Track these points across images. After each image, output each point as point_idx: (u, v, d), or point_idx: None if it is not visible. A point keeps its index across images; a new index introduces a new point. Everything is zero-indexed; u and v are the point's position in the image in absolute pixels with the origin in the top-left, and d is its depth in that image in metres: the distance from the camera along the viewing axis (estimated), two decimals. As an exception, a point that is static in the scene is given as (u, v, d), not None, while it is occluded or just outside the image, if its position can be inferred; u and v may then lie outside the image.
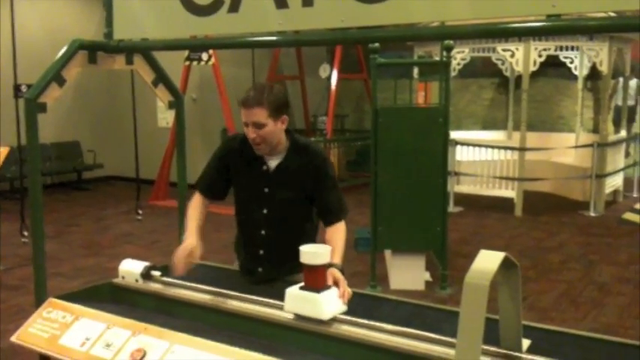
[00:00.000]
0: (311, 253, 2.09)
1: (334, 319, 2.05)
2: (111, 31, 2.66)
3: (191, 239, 2.48)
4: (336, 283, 2.20)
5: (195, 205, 2.69)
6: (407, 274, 5.55)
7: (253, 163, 2.61)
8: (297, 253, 2.16)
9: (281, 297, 2.17)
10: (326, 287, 2.11)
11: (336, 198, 2.67)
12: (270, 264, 2.66)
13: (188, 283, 2.43)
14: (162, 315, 2.30)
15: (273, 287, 2.41)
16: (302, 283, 2.13)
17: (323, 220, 2.66)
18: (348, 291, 2.20)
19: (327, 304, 2.06)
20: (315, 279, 2.09)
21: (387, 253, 5.94)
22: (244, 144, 2.60)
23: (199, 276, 2.52)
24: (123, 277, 2.57)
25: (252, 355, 1.75)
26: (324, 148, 10.49)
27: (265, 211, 2.63)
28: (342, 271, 2.28)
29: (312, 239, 2.62)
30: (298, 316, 2.09)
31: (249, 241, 2.73)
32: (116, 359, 1.99)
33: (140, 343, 1.99)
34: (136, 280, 2.51)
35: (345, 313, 2.07)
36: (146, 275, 2.51)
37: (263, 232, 2.65)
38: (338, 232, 2.60)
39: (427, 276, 5.68)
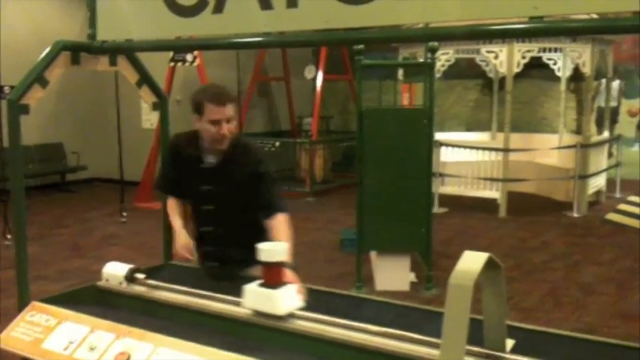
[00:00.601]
0: (268, 251, 2.13)
1: (321, 321, 2.05)
2: (94, 32, 2.64)
3: (182, 238, 2.69)
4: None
5: (172, 205, 2.85)
6: (392, 275, 5.56)
7: (194, 160, 2.74)
8: (248, 249, 2.28)
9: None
10: (283, 284, 2.16)
11: (272, 193, 2.75)
12: (221, 260, 2.76)
13: (172, 286, 2.42)
14: (146, 317, 2.29)
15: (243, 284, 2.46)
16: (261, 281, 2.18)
17: (261, 215, 2.70)
18: (303, 289, 2.24)
19: (284, 300, 2.11)
20: (273, 276, 2.14)
21: (373, 254, 5.95)
22: (187, 141, 2.76)
23: (185, 277, 2.51)
24: (107, 280, 2.55)
25: (236, 356, 1.75)
26: (310, 150, 10.50)
27: (209, 207, 2.76)
28: (293, 268, 2.33)
29: (260, 234, 2.61)
30: (281, 317, 2.09)
31: (199, 237, 2.84)
32: (100, 362, 1.98)
33: (124, 346, 1.98)
34: (120, 283, 2.50)
35: (329, 315, 2.07)
36: (130, 278, 2.50)
37: (208, 228, 2.78)
38: (281, 228, 2.64)
39: (412, 277, 5.70)
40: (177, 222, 2.78)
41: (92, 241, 7.35)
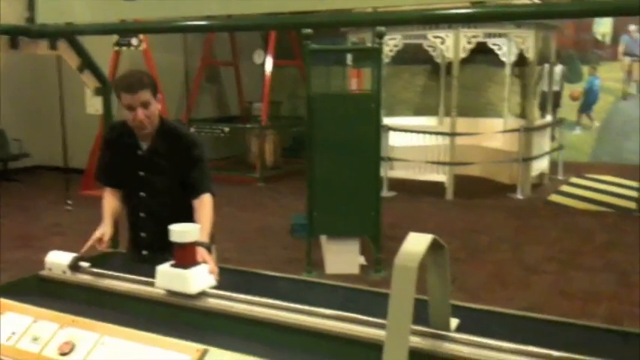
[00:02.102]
0: (179, 232, 2.17)
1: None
2: (33, 15, 2.56)
3: (103, 227, 2.68)
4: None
5: (107, 195, 2.86)
6: (342, 258, 5.61)
7: (130, 147, 2.78)
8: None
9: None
10: (195, 264, 2.20)
11: (200, 174, 2.78)
12: (152, 247, 2.79)
13: (117, 274, 2.38)
14: (91, 306, 2.25)
15: None
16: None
17: (188, 195, 2.74)
18: (215, 269, 2.28)
19: (195, 279, 2.16)
20: (184, 256, 2.18)
21: (323, 238, 5.98)
22: (122, 129, 2.78)
23: (130, 265, 2.47)
24: (50, 269, 2.50)
25: (185, 343, 1.74)
26: (260, 135, 10.45)
27: (142, 194, 2.80)
28: (209, 248, 2.38)
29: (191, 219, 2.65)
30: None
31: (132, 224, 2.89)
32: (44, 353, 1.94)
33: (68, 336, 1.94)
34: (64, 272, 2.44)
35: (277, 299, 2.07)
36: (74, 267, 2.45)
37: (142, 214, 2.82)
38: (203, 208, 2.69)
39: (362, 260, 5.76)
40: (106, 212, 2.78)
41: (36, 231, 7.17)
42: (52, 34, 2.63)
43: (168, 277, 2.18)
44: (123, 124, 2.79)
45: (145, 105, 2.64)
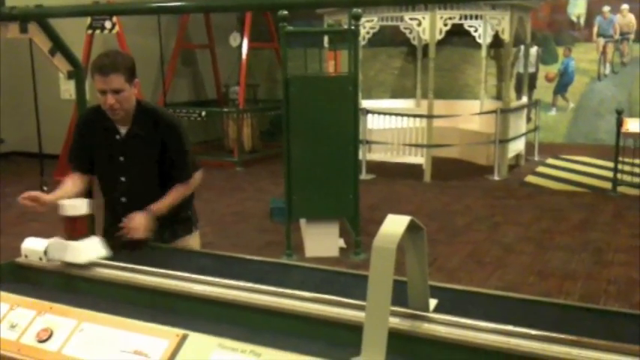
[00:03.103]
0: (69, 206, 2.37)
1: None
2: (2, -2, 2.50)
3: (47, 195, 2.66)
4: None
5: (67, 180, 2.83)
6: (321, 241, 5.63)
7: (107, 132, 2.73)
8: (162, 217, 2.67)
9: (180, 265, 2.18)
10: (84, 236, 2.38)
11: (183, 162, 2.80)
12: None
13: (94, 260, 2.36)
14: (68, 293, 2.23)
15: (171, 255, 2.60)
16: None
17: (171, 179, 2.81)
18: (136, 227, 2.58)
19: (85, 250, 2.33)
20: (74, 228, 2.37)
21: (302, 221, 5.99)
22: (98, 114, 2.72)
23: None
24: (26, 256, 2.47)
25: (164, 328, 1.73)
26: (237, 119, 10.40)
27: (123, 179, 2.77)
28: (149, 213, 2.65)
29: (181, 203, 2.87)
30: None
31: (111, 208, 2.86)
32: (21, 340, 1.92)
33: (46, 323, 1.92)
34: (40, 259, 2.42)
35: (257, 282, 2.07)
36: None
37: (123, 199, 2.79)
38: (180, 187, 2.82)
39: (341, 243, 5.78)
40: (57, 191, 2.74)
41: (11, 218, 7.08)
42: (22, 17, 2.57)
43: (60, 249, 2.33)
44: (98, 107, 2.73)
45: (117, 91, 2.59)
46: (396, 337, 1.60)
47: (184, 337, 1.67)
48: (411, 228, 1.62)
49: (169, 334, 1.70)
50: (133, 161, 2.75)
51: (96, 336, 1.80)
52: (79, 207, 2.35)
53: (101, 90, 2.59)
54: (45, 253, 2.39)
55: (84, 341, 1.80)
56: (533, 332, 1.67)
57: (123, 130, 2.74)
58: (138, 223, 2.61)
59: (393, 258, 1.50)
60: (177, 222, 2.92)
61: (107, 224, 2.90)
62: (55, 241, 2.35)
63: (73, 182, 2.80)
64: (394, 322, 1.74)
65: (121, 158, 2.75)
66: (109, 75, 2.56)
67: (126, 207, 2.77)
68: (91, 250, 2.34)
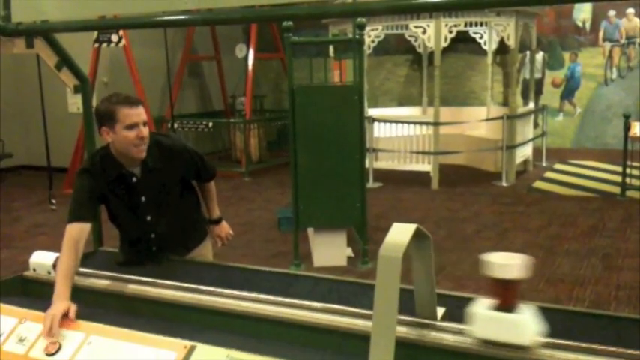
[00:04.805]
0: (501, 265, 1.71)
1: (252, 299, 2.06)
2: (9, 14, 2.52)
3: (62, 301, 2.09)
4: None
5: (69, 248, 2.37)
6: (329, 250, 5.62)
7: (121, 179, 2.58)
8: (188, 234, 2.84)
9: (188, 277, 2.21)
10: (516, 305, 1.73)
11: (203, 168, 2.87)
12: (163, 254, 2.75)
13: (102, 272, 2.37)
14: (77, 306, 2.24)
15: (179, 267, 2.59)
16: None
17: (197, 181, 2.94)
18: (226, 235, 3.04)
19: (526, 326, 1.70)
20: (506, 294, 1.72)
21: (310, 231, 5.98)
22: (103, 163, 2.56)
23: (115, 263, 2.46)
24: (34, 270, 2.48)
25: (171, 340, 1.74)
26: (244, 129, 10.42)
27: (149, 218, 2.67)
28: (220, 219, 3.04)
29: (197, 210, 2.97)
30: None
31: (137, 242, 2.76)
32: (30, 354, 1.93)
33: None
34: (48, 272, 2.43)
35: (265, 293, 2.07)
36: (59, 266, 2.43)
37: (153, 235, 2.72)
38: (210, 187, 2.99)
39: (349, 252, 5.77)
40: (62, 279, 2.21)
41: (20, 231, 7.12)
42: (29, 33, 2.59)
43: (491, 324, 1.70)
44: (103, 154, 2.56)
45: (145, 124, 2.49)
46: (403, 346, 1.59)
47: (192, 349, 1.68)
48: (417, 236, 1.62)
49: (177, 346, 1.70)
50: (158, 199, 2.66)
51: (104, 348, 1.81)
52: (511, 267, 1.70)
53: (133, 124, 2.44)
54: (54, 266, 2.39)
55: (92, 354, 1.81)
56: (542, 339, 1.67)
57: (136, 171, 2.59)
58: (226, 232, 3.07)
59: (399, 266, 1.50)
60: (191, 230, 2.93)
61: (127, 256, 2.78)
62: (484, 311, 1.72)
63: (75, 249, 2.37)
64: (402, 330, 1.73)
65: (143, 199, 2.63)
66: (138, 106, 2.47)
67: (156, 240, 2.72)
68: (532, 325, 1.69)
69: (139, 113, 2.46)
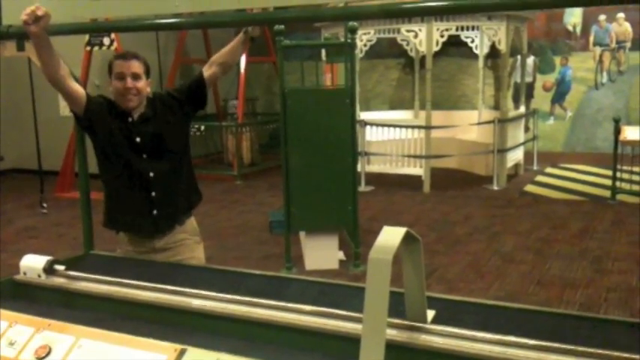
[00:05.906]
0: None
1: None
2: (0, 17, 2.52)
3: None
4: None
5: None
6: (321, 254, 5.63)
7: (119, 115, 2.78)
8: (185, 187, 2.86)
9: (179, 280, 2.18)
10: None
11: (187, 83, 2.94)
12: (163, 204, 2.85)
13: (93, 276, 2.36)
14: (67, 309, 2.24)
15: (170, 270, 2.55)
16: None
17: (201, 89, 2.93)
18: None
19: None
20: None
21: (302, 234, 5.99)
22: (108, 100, 2.80)
23: (107, 267, 2.46)
24: (25, 273, 2.47)
25: (162, 343, 1.73)
26: (236, 132, 10.42)
27: (145, 155, 2.80)
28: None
29: (193, 177, 3.01)
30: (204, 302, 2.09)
31: (134, 190, 2.84)
32: (20, 357, 1.92)
33: (45, 340, 1.92)
34: (39, 276, 2.42)
35: (256, 296, 2.07)
36: (49, 270, 2.42)
37: (151, 174, 2.81)
38: (211, 65, 2.98)
39: (341, 255, 5.78)
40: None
41: (10, 235, 7.08)
42: (20, 36, 2.58)
43: None
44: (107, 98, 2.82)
45: (135, 76, 2.69)
46: (393, 349, 1.60)
47: (183, 352, 1.67)
48: (407, 239, 1.63)
49: (168, 349, 1.70)
50: (152, 142, 2.80)
51: (94, 352, 1.81)
52: None
53: (120, 74, 2.68)
54: (44, 270, 2.39)
55: (82, 357, 1.80)
56: (531, 342, 1.67)
57: (135, 114, 2.80)
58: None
59: (389, 269, 1.50)
60: (190, 191, 3.00)
61: (131, 216, 2.90)
62: None
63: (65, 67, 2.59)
64: (392, 333, 1.74)
65: (138, 139, 2.78)
66: (130, 60, 2.70)
67: (158, 199, 2.84)
68: None
69: (129, 66, 2.69)
